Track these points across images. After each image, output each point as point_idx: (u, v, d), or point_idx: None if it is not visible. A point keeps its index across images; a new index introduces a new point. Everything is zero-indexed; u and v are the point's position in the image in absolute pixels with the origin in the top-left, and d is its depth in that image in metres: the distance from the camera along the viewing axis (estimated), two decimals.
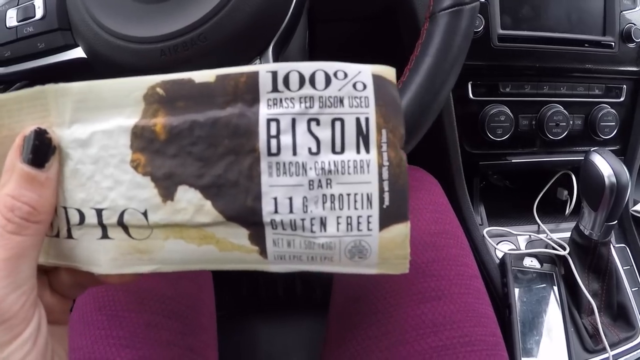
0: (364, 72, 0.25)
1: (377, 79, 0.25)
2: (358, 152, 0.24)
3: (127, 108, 0.25)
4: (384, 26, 0.67)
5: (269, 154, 0.24)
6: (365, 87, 0.24)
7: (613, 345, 0.62)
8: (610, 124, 0.72)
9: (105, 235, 0.27)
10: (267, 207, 0.24)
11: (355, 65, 0.25)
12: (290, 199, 0.24)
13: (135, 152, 0.25)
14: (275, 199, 0.24)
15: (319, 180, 0.24)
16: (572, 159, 0.74)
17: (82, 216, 0.26)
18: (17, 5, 0.46)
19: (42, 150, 0.25)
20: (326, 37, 0.68)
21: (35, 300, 0.25)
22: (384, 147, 0.24)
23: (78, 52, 0.44)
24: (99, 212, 0.26)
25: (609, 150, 0.62)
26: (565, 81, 0.71)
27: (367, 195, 0.24)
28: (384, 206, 0.24)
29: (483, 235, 0.72)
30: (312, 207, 0.24)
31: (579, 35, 0.68)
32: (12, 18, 0.46)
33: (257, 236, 0.25)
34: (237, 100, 0.24)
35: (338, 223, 0.25)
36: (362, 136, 0.24)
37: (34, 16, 0.45)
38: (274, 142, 0.24)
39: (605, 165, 0.59)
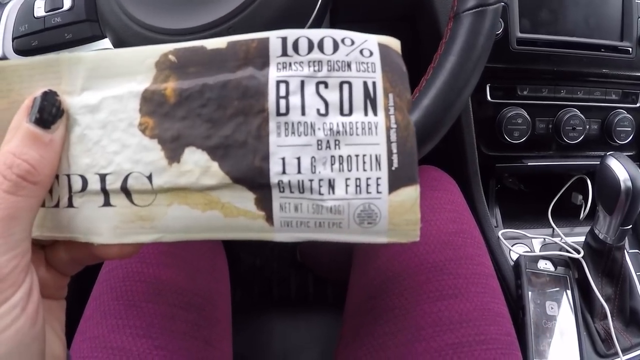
0: (370, 40, 0.25)
1: (383, 48, 0.25)
2: (366, 114, 0.24)
3: (138, 75, 0.26)
4: (404, 28, 0.67)
5: (278, 113, 0.24)
6: (371, 53, 0.25)
7: (625, 350, 0.61)
8: (627, 129, 0.72)
9: (107, 203, 0.26)
10: (274, 167, 0.24)
11: (361, 34, 0.25)
12: (299, 159, 0.24)
13: (143, 115, 0.25)
14: (283, 159, 0.24)
15: (327, 141, 0.24)
16: (587, 163, 0.74)
17: (85, 182, 0.26)
18: None
19: (49, 111, 0.25)
20: None
21: (27, 266, 0.24)
22: (391, 110, 0.25)
23: (105, 43, 0.44)
24: (102, 177, 0.26)
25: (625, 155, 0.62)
26: (582, 85, 0.71)
27: (376, 156, 0.24)
28: (393, 168, 0.24)
29: (498, 237, 0.72)
30: (321, 167, 0.24)
31: (597, 40, 0.68)
32: (40, 8, 0.46)
33: (264, 200, 0.25)
34: (247, 64, 0.25)
35: (347, 185, 0.24)
36: (370, 99, 0.24)
37: (62, 7, 0.45)
38: (282, 102, 0.24)
39: (621, 169, 0.59)
